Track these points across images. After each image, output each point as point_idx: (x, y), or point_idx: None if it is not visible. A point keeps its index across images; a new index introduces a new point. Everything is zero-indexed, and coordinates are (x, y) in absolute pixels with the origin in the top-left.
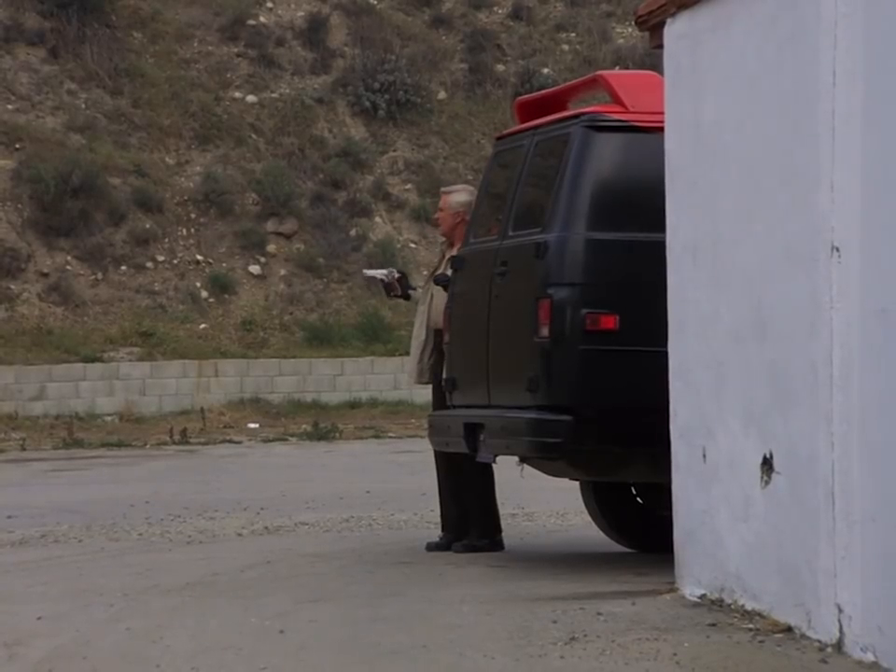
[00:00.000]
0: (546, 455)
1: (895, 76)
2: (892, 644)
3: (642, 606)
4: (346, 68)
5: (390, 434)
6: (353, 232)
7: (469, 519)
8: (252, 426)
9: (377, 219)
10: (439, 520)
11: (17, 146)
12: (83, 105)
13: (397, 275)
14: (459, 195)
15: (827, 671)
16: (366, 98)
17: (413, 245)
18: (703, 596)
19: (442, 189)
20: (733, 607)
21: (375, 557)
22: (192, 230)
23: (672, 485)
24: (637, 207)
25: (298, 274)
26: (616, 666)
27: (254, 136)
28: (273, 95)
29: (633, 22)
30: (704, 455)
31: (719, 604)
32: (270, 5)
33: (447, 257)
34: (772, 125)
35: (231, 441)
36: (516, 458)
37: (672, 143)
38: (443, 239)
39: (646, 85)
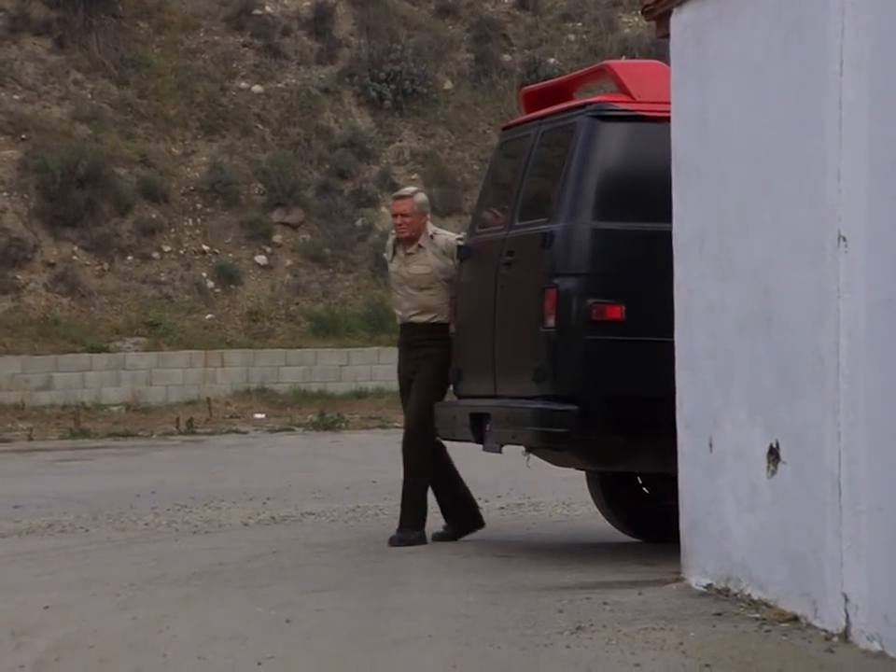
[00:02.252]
0: (552, 445)
1: None
2: None
3: (648, 595)
4: (352, 58)
5: (396, 424)
6: (359, 223)
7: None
8: (258, 416)
9: (383, 209)
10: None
11: (23, 136)
12: (89, 96)
13: None
14: (420, 195)
15: (833, 660)
16: (372, 88)
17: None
18: (709, 586)
19: (395, 195)
20: (739, 596)
21: (381, 547)
22: (198, 220)
23: (678, 475)
24: (643, 197)
25: (304, 265)
26: (622, 656)
27: (260, 126)
28: (279, 85)
29: (639, 12)
30: (710, 445)
31: (725, 593)
32: None
33: (404, 253)
34: (778, 114)
35: (237, 432)
36: (522, 448)
37: (678, 132)
38: (393, 235)
39: (652, 74)
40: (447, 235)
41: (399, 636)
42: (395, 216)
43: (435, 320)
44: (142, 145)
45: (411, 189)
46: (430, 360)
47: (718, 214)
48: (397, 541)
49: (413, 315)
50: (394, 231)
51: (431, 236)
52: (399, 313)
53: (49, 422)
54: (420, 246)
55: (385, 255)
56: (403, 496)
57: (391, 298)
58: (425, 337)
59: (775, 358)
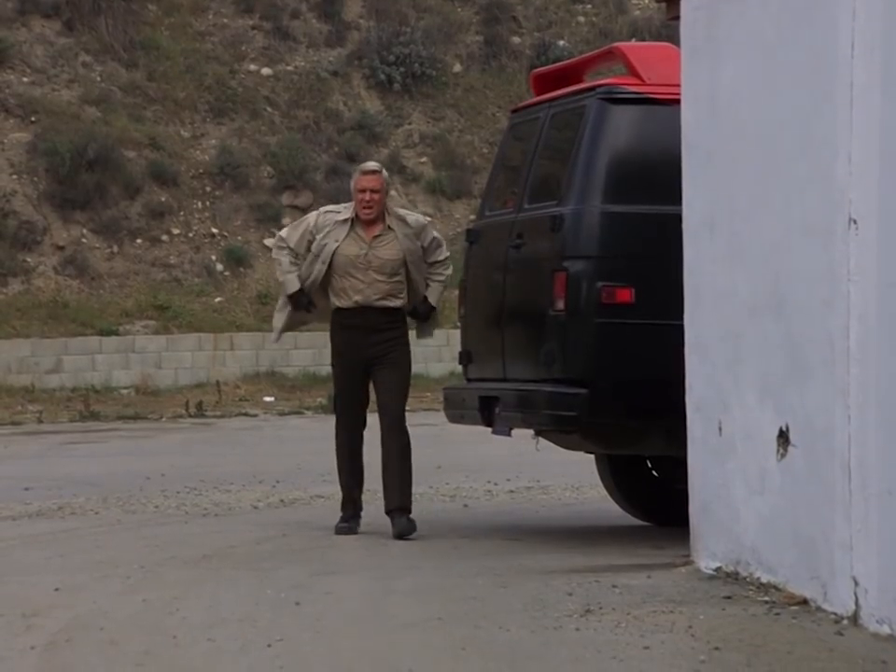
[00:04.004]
0: (561, 428)
1: None
2: None
3: (658, 578)
4: (361, 41)
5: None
6: None
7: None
8: (267, 399)
9: (392, 192)
10: (453, 493)
11: (32, 118)
12: (98, 78)
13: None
14: (384, 171)
15: (843, 643)
16: (381, 71)
17: (428, 219)
18: (718, 569)
19: (363, 168)
20: (748, 579)
21: (391, 530)
22: (207, 203)
23: (688, 458)
24: (653, 180)
25: None
26: (631, 638)
27: (269, 109)
28: (288, 68)
29: None
30: (720, 428)
31: (734, 577)
32: None
33: (368, 235)
34: (789, 96)
35: (246, 415)
36: (531, 431)
37: (688, 115)
38: (346, 216)
39: (662, 57)
40: (416, 215)
41: (408, 618)
42: (362, 191)
43: (398, 304)
44: (151, 128)
45: (374, 163)
46: (401, 345)
47: (728, 196)
48: (408, 531)
49: (376, 301)
50: (334, 210)
51: (403, 218)
52: (355, 297)
53: (59, 405)
54: (389, 228)
55: (295, 236)
56: (402, 483)
57: (334, 282)
58: (390, 320)
59: (785, 342)
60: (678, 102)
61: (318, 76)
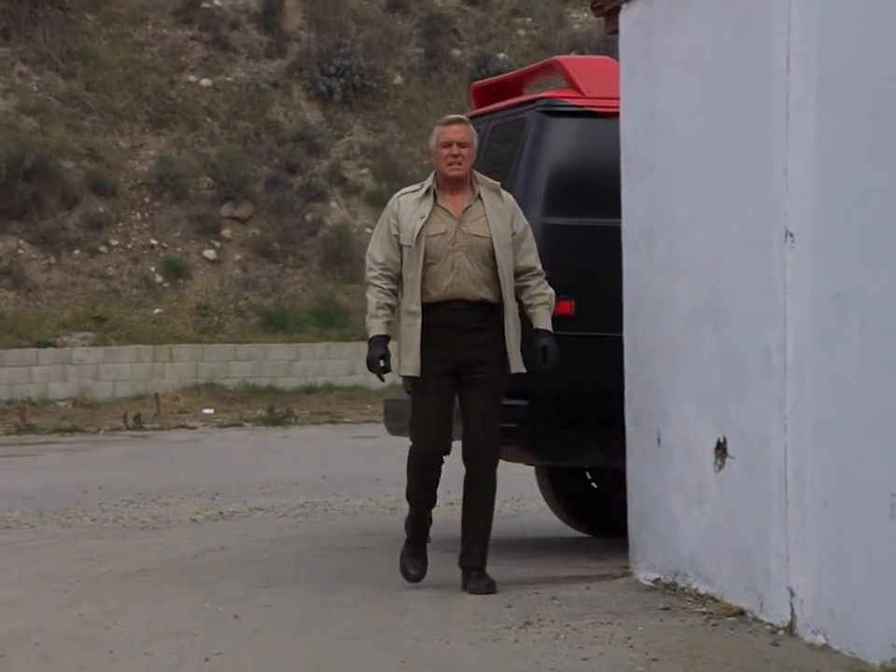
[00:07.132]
0: (501, 440)
1: (849, 61)
2: (843, 627)
3: (596, 590)
4: (302, 52)
5: (346, 419)
6: (308, 217)
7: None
8: (207, 411)
9: (333, 204)
10: (393, 504)
11: None
12: (35, 88)
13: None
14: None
15: (779, 654)
16: (321, 82)
17: (368, 230)
18: (657, 580)
19: (445, 119)
20: (686, 591)
21: (331, 542)
22: (146, 214)
23: (626, 470)
24: (592, 193)
25: (253, 259)
26: (570, 650)
27: (208, 120)
28: (228, 79)
29: (589, 8)
30: (658, 440)
31: (672, 588)
32: None
33: (455, 208)
34: (727, 110)
35: (185, 427)
36: None
37: (627, 128)
38: (427, 186)
39: (602, 70)
40: (507, 193)
41: (347, 631)
42: (447, 145)
43: (490, 299)
44: (89, 138)
45: (456, 115)
46: (496, 355)
47: (666, 209)
48: (485, 588)
49: (467, 291)
50: (409, 189)
51: (497, 189)
52: (443, 288)
53: None
54: (479, 198)
55: (379, 247)
56: (480, 527)
57: (411, 273)
58: (482, 318)
59: (722, 354)
60: (617, 115)
61: (258, 87)
